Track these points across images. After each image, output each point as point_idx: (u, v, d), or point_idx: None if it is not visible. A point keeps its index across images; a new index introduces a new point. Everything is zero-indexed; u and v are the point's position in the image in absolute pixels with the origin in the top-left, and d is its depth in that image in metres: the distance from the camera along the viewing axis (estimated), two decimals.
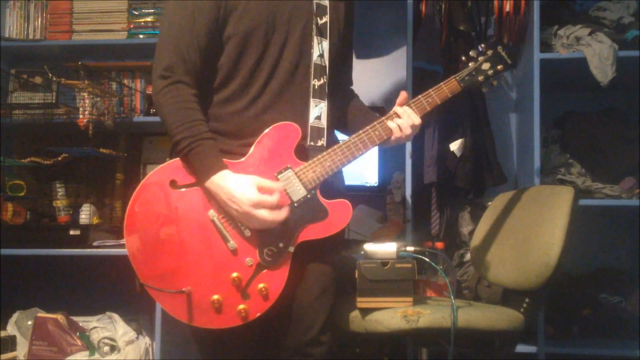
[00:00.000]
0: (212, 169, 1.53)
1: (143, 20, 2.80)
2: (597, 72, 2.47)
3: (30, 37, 2.87)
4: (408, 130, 1.68)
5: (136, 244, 1.56)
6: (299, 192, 1.58)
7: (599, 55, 2.46)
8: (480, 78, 1.73)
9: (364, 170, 2.77)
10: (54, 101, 2.71)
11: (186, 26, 1.59)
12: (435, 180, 2.59)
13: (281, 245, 1.56)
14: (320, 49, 1.67)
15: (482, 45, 1.76)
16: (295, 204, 1.58)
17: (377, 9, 3.02)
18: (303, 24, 1.66)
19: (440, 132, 2.62)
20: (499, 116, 2.92)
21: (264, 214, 1.52)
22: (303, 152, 1.62)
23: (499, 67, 1.73)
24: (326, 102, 1.67)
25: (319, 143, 1.64)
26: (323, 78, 1.67)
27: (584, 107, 2.83)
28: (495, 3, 2.71)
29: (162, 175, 1.58)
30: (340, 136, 1.83)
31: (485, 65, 1.73)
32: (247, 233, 1.56)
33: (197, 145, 1.53)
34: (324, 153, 1.61)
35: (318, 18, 1.67)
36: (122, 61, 2.87)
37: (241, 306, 1.54)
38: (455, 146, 2.60)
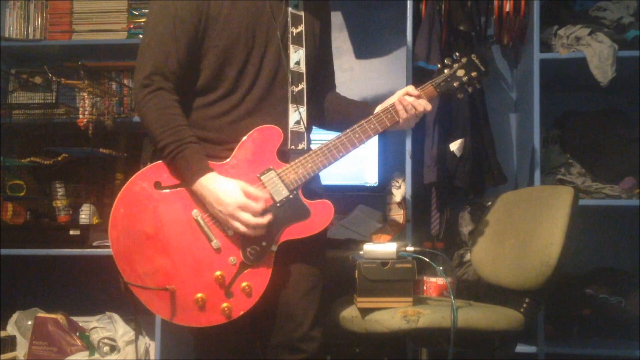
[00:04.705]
0: (198, 172, 1.56)
1: (143, 20, 2.79)
2: (597, 72, 2.47)
3: (30, 37, 2.86)
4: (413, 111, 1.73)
5: (121, 243, 1.59)
6: (281, 192, 1.62)
7: (599, 55, 2.46)
8: (456, 84, 1.81)
9: (364, 170, 2.77)
10: (54, 101, 2.71)
11: (167, 36, 1.61)
12: (435, 180, 2.59)
13: (264, 244, 1.60)
14: (297, 57, 1.73)
15: (457, 54, 1.84)
16: (278, 204, 1.62)
17: (377, 9, 3.02)
18: (280, 33, 1.70)
19: (440, 132, 2.62)
20: (499, 116, 2.92)
21: (247, 217, 1.55)
22: (284, 156, 1.67)
23: (472, 73, 1.82)
24: (305, 107, 1.72)
25: (300, 146, 1.70)
26: (301, 84, 1.72)
27: (584, 107, 2.83)
28: (495, 3, 2.71)
29: (146, 176, 1.61)
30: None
31: (460, 72, 1.81)
32: (231, 232, 1.59)
33: (183, 150, 1.56)
34: (306, 155, 1.66)
35: (293, 28, 1.73)
36: (122, 61, 2.87)
37: (224, 304, 1.57)
38: (455, 146, 2.60)
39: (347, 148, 1.68)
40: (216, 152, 1.64)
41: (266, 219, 1.58)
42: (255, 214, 1.56)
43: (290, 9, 1.73)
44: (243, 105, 1.66)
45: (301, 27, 1.75)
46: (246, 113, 1.66)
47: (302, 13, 1.76)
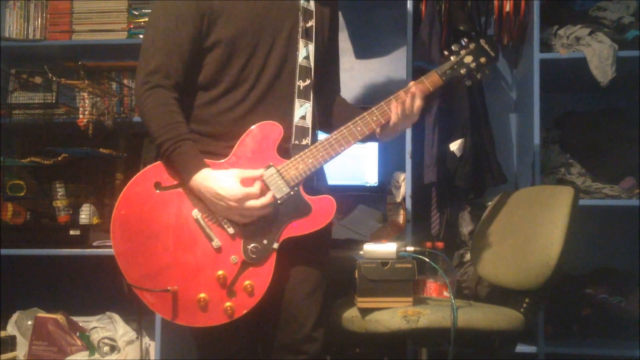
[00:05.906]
0: (193, 169, 1.56)
1: (143, 20, 2.80)
2: (597, 72, 2.47)
3: (30, 37, 2.87)
4: (407, 112, 1.70)
5: (123, 245, 1.59)
6: (282, 189, 1.61)
7: (599, 55, 2.46)
8: (463, 71, 1.76)
9: (364, 170, 2.77)
10: (54, 101, 2.71)
11: (169, 34, 1.61)
12: (435, 180, 2.59)
13: (265, 242, 1.59)
14: (306, 51, 1.71)
15: (465, 40, 1.79)
16: (279, 201, 1.61)
17: (377, 9, 3.01)
18: (290, 27, 1.69)
19: (440, 132, 2.62)
20: (499, 116, 2.92)
21: (252, 203, 1.55)
22: (287, 152, 1.65)
23: (481, 59, 1.77)
24: (311, 102, 1.70)
25: (304, 142, 1.67)
26: (308, 79, 1.70)
27: (584, 107, 2.83)
28: (495, 3, 2.71)
29: (146, 177, 1.61)
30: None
31: (468, 59, 1.76)
32: (231, 231, 1.58)
33: (178, 147, 1.56)
34: (306, 150, 1.64)
35: (304, 22, 1.71)
36: (122, 61, 2.87)
37: (227, 304, 1.56)
38: (455, 146, 2.60)
39: (349, 141, 1.66)
40: (219, 150, 1.63)
41: (269, 196, 1.57)
42: (257, 196, 1.56)
43: (302, 3, 1.72)
44: (247, 101, 1.65)
45: (312, 22, 1.73)
46: (250, 108, 1.64)
47: (313, 7, 1.74)
